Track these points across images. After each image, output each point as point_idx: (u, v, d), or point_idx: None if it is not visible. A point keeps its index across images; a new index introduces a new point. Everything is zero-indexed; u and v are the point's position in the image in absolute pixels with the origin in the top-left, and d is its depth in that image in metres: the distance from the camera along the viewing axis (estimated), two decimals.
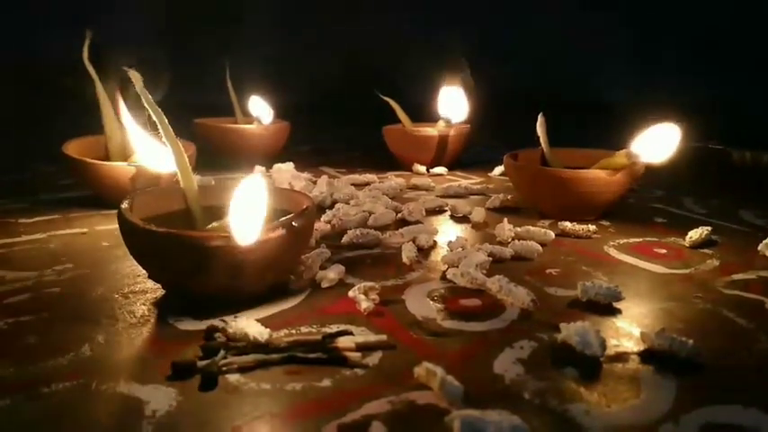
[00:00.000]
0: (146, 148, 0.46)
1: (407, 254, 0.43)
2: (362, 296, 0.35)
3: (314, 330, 0.32)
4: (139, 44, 1.16)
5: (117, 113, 0.52)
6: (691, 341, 0.29)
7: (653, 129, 0.50)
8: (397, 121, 0.81)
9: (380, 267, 0.42)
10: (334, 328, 0.32)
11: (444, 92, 0.79)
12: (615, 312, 0.35)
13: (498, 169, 0.77)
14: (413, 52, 1.22)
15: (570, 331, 0.30)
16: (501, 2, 1.27)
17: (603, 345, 0.29)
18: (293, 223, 0.34)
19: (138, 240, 0.34)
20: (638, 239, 0.49)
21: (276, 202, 0.41)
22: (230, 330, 0.30)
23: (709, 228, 0.48)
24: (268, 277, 0.36)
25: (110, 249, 0.45)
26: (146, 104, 0.37)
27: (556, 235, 0.49)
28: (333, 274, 0.38)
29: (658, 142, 0.50)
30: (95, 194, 0.56)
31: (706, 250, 0.47)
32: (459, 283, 0.38)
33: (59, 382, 0.27)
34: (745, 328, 0.33)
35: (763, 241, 0.46)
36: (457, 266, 0.40)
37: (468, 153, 0.82)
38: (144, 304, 0.35)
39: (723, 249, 0.47)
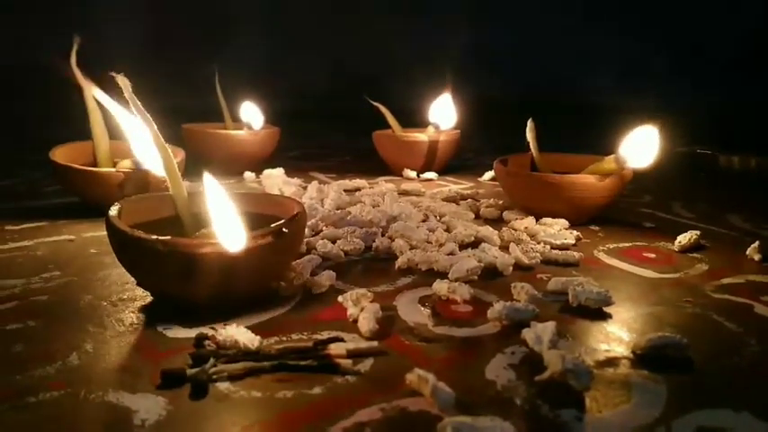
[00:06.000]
0: (139, 144, 0.45)
1: (399, 260, 0.43)
2: (350, 302, 0.35)
3: (305, 337, 0.32)
4: (130, 49, 1.16)
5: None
6: (678, 336, 0.30)
7: (639, 133, 0.50)
8: (387, 126, 0.81)
9: (372, 273, 0.42)
10: (325, 335, 0.32)
11: (435, 99, 0.79)
12: (605, 317, 0.35)
13: (488, 174, 0.77)
14: (403, 58, 1.23)
15: (531, 330, 0.30)
16: (491, 7, 1.28)
17: (555, 342, 0.29)
18: (283, 229, 0.34)
19: (126, 247, 0.34)
20: (627, 244, 0.49)
21: (266, 208, 0.41)
22: (220, 338, 0.30)
23: (698, 232, 0.48)
24: (258, 284, 0.35)
25: (98, 256, 0.44)
26: (134, 110, 0.37)
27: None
28: (324, 280, 0.38)
29: (645, 147, 0.50)
30: (83, 201, 0.55)
31: (695, 254, 0.47)
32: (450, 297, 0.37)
33: (47, 392, 0.26)
34: (734, 332, 0.33)
35: (752, 245, 0.46)
36: (447, 274, 0.40)
37: (459, 158, 0.82)
38: (133, 312, 0.35)
39: (712, 253, 0.47)
